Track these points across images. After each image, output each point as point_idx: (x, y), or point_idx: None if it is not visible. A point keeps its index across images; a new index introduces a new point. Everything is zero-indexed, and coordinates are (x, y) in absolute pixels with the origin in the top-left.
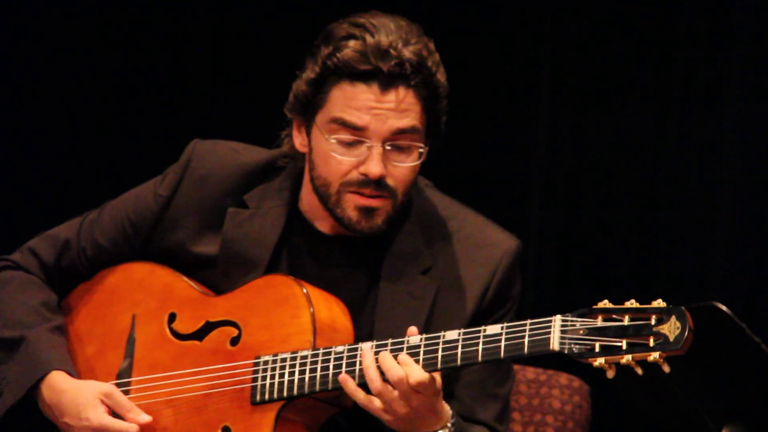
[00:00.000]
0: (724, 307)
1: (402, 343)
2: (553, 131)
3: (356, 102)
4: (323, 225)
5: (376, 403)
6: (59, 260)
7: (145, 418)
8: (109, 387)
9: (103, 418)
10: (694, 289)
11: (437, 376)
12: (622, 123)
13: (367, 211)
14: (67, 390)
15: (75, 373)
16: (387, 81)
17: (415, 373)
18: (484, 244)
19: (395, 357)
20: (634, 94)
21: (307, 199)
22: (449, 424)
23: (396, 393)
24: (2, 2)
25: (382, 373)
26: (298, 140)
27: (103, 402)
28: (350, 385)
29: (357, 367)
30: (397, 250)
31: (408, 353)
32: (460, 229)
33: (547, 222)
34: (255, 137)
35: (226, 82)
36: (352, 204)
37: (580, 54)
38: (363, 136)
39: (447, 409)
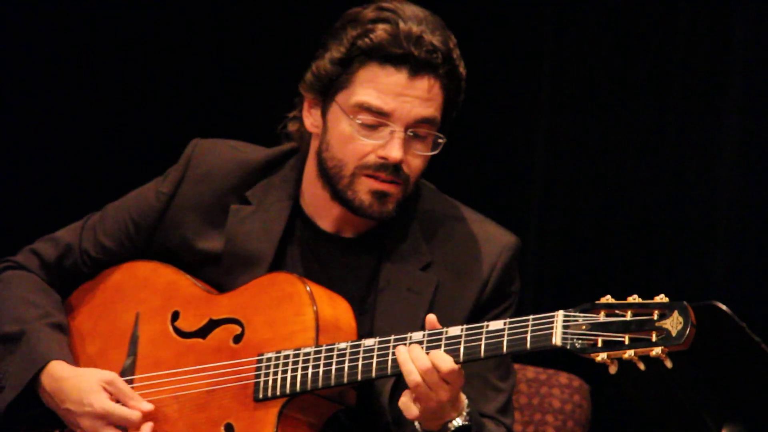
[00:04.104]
0: (724, 307)
1: (405, 339)
2: (553, 130)
3: (384, 85)
4: (324, 222)
5: (411, 405)
6: (61, 261)
7: (147, 406)
8: (111, 374)
9: (106, 404)
10: (694, 289)
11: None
12: (622, 122)
13: (380, 196)
14: (68, 377)
15: (75, 365)
16: (416, 67)
17: (446, 363)
18: (483, 239)
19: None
20: (634, 92)
21: (309, 194)
22: (465, 413)
23: (426, 385)
24: (2, 2)
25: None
26: (309, 120)
27: (105, 389)
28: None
29: (360, 363)
30: (397, 246)
31: None
32: (459, 226)
33: (547, 222)
34: (255, 137)
35: (226, 83)
36: (366, 187)
37: (580, 53)
38: (387, 120)
39: (464, 397)
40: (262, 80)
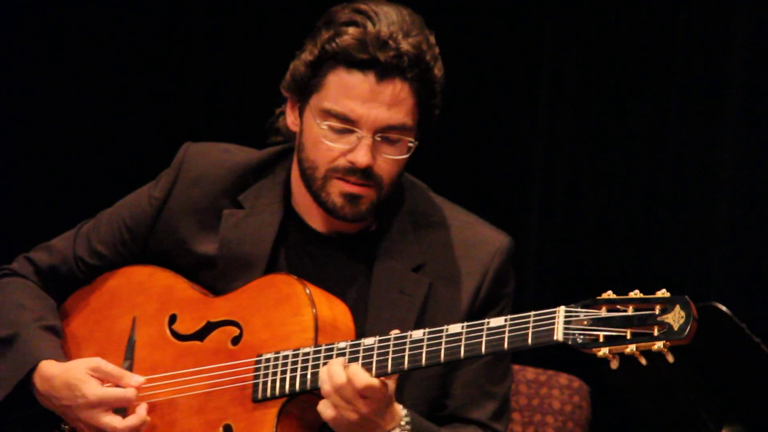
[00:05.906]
0: (724, 307)
1: (405, 337)
2: (553, 129)
3: (351, 91)
4: (316, 222)
5: (327, 407)
6: (56, 268)
7: (139, 379)
8: (96, 360)
9: (98, 390)
10: (694, 289)
11: (390, 382)
12: (622, 121)
13: (351, 198)
14: (56, 375)
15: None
16: (383, 72)
17: (361, 378)
18: (476, 241)
19: (347, 365)
20: (634, 91)
21: (297, 194)
22: (403, 422)
23: (342, 399)
24: (2, 2)
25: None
26: (290, 118)
27: (93, 376)
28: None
29: (359, 362)
30: (389, 247)
31: (410, 347)
32: (453, 227)
33: (547, 221)
34: (248, 140)
35: (219, 87)
36: (337, 190)
37: (580, 52)
38: (354, 126)
39: (399, 409)
40: (257, 81)
